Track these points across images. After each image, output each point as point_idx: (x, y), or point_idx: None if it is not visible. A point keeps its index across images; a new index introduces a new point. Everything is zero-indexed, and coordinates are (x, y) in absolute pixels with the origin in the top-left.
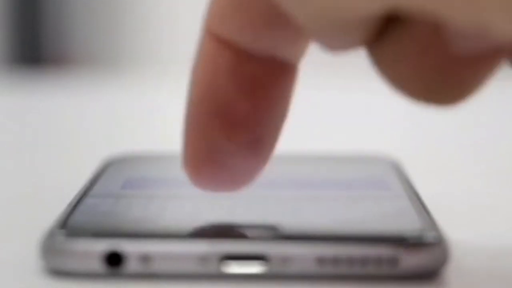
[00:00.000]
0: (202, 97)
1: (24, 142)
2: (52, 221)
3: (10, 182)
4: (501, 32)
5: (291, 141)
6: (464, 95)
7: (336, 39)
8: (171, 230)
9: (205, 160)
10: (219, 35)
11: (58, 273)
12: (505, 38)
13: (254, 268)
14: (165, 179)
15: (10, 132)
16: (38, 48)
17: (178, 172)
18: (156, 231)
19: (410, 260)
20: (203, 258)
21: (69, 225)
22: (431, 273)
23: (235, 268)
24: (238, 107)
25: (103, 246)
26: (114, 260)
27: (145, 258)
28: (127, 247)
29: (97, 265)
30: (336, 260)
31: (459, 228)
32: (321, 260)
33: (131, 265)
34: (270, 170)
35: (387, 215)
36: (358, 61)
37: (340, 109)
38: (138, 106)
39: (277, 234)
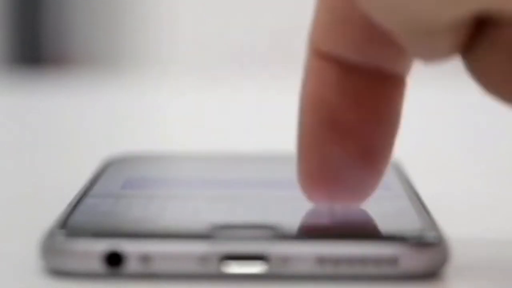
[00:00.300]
0: (313, 110)
1: (24, 142)
2: (52, 221)
3: (10, 182)
4: None
5: (291, 141)
6: None
7: (429, 48)
8: (171, 230)
9: (320, 174)
10: (323, 50)
11: (58, 273)
12: None
13: (254, 268)
14: (165, 179)
15: (10, 132)
16: (38, 48)
17: (178, 172)
18: (156, 231)
19: (410, 260)
20: (203, 258)
21: (69, 225)
22: (431, 273)
23: (235, 268)
24: (347, 118)
25: (103, 246)
26: (114, 260)
27: (145, 258)
28: (127, 247)
29: (97, 265)
30: (336, 260)
31: (459, 228)
32: (321, 260)
33: (131, 265)
34: (270, 170)
35: (387, 215)
36: None
37: None
38: (138, 106)
39: (277, 234)
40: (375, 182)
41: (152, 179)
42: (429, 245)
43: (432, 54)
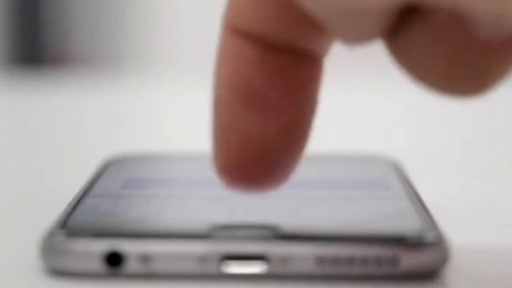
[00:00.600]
0: (232, 90)
1: (24, 142)
2: (52, 221)
3: (10, 182)
4: None
5: None
6: (484, 85)
7: (354, 32)
8: (171, 230)
9: (239, 156)
10: (241, 28)
11: (58, 273)
12: None
13: (254, 268)
14: (165, 179)
15: (10, 132)
16: (38, 48)
17: (178, 172)
18: (156, 231)
19: (410, 260)
20: (203, 258)
21: (69, 225)
22: (431, 273)
23: (235, 268)
24: (267, 96)
25: (103, 246)
26: (114, 260)
27: (145, 258)
28: (127, 247)
29: (97, 265)
30: (336, 260)
31: (459, 228)
32: (321, 260)
33: (131, 265)
34: None
35: (387, 215)
36: (358, 61)
37: (340, 109)
38: (138, 106)
39: (277, 234)
40: (294, 165)
41: (152, 179)
42: (429, 245)
43: (355, 37)
